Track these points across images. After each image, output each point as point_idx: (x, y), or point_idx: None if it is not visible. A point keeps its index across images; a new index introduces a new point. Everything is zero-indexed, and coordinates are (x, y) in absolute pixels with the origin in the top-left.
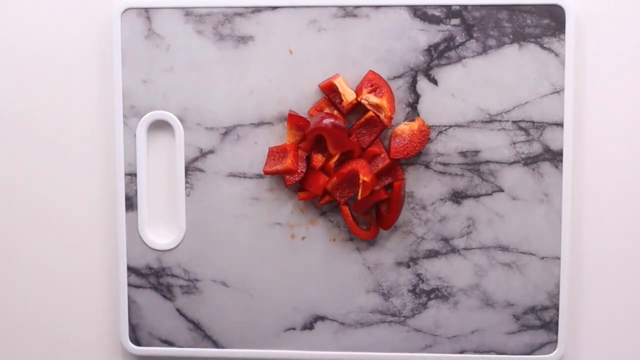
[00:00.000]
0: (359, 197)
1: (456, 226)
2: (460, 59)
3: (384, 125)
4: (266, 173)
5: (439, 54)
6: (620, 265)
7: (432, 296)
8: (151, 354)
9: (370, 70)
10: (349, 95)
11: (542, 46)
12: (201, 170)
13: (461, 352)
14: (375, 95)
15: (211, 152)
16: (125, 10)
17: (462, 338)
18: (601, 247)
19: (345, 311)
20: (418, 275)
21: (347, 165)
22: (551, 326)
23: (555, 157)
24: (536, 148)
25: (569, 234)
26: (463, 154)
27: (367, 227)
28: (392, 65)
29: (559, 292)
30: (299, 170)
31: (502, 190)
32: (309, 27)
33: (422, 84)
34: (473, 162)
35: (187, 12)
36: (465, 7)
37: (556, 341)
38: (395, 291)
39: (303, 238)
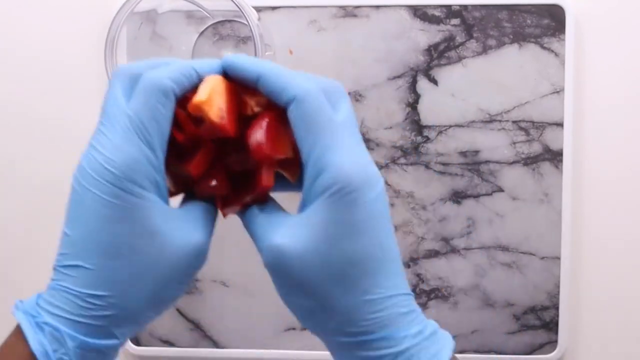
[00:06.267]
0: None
1: (456, 226)
2: (460, 59)
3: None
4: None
5: (439, 54)
6: (620, 265)
7: (432, 296)
8: (151, 354)
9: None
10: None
11: (542, 46)
12: None
13: (461, 352)
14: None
15: None
16: None
17: (462, 338)
18: (601, 247)
19: None
20: (418, 275)
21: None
22: (551, 326)
23: (555, 157)
24: (536, 148)
25: (569, 234)
26: (463, 154)
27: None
28: (392, 65)
29: (559, 292)
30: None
31: (502, 190)
32: (309, 27)
33: (422, 84)
34: (473, 162)
35: (189, 12)
36: (465, 7)
37: (556, 341)
38: None
39: None
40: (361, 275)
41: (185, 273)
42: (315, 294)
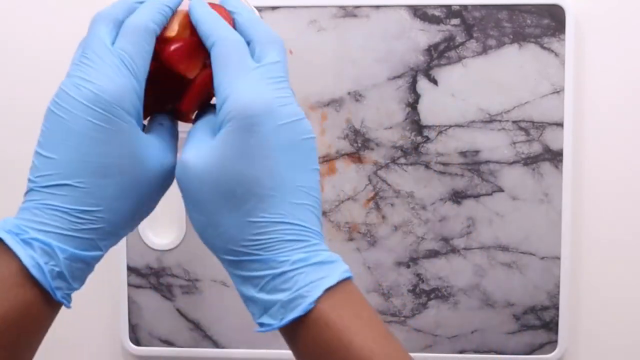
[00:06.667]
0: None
1: (456, 226)
2: (460, 59)
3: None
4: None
5: (439, 54)
6: (620, 265)
7: (432, 296)
8: (151, 354)
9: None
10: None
11: (542, 46)
12: None
13: (461, 352)
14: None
15: None
16: None
17: (462, 338)
18: (601, 247)
19: None
20: (418, 275)
21: None
22: (551, 326)
23: (555, 157)
24: (536, 148)
25: (569, 234)
26: (463, 154)
27: None
28: (392, 65)
29: (559, 292)
30: None
31: (502, 190)
32: (309, 27)
33: (422, 84)
34: (473, 162)
35: None
36: (465, 7)
37: (556, 341)
38: (395, 291)
39: None
40: (247, 198)
41: (158, 192)
42: (206, 210)
